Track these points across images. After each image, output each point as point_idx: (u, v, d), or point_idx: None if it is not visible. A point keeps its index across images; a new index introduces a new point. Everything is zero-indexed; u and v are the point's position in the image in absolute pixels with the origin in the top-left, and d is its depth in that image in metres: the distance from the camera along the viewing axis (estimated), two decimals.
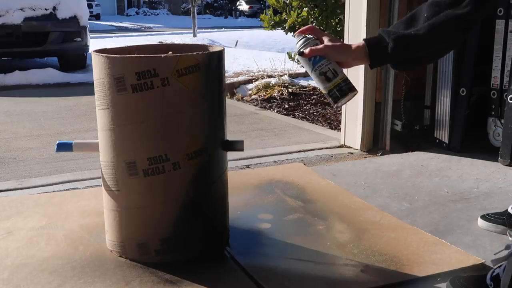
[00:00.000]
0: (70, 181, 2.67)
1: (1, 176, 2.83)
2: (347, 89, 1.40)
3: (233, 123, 3.99)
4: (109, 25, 24.44)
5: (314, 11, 4.18)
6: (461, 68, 2.99)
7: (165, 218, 1.74)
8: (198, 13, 19.83)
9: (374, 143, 3.19)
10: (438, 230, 2.03)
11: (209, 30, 17.43)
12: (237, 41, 12.14)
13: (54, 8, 6.66)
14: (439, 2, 1.38)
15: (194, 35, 13.72)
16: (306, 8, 4.24)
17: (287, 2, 4.44)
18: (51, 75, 6.54)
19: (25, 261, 1.78)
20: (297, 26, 4.32)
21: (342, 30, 3.69)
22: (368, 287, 1.64)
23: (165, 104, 1.65)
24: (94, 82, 1.72)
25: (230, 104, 4.79)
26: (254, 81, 5.75)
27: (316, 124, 4.11)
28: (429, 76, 3.22)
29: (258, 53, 8.78)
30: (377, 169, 2.80)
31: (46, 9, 6.60)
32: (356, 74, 3.13)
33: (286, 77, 5.59)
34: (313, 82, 5.66)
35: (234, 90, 5.61)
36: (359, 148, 3.17)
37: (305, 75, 6.02)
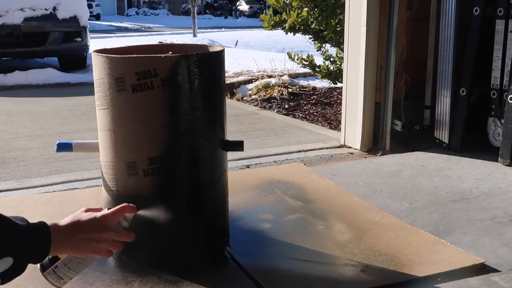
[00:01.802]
0: (70, 181, 2.67)
1: (1, 176, 2.83)
2: None
3: (233, 123, 3.99)
4: (109, 25, 24.43)
5: (314, 11, 4.18)
6: (461, 68, 2.99)
7: (165, 218, 1.74)
8: (198, 13, 19.83)
9: (374, 143, 3.19)
10: (438, 230, 2.03)
11: (209, 30, 17.42)
12: (237, 41, 12.14)
13: (54, 8, 6.66)
14: None
15: (194, 35, 13.71)
16: (306, 8, 4.23)
17: (287, 2, 4.44)
18: (51, 75, 6.54)
19: None
20: (297, 26, 4.32)
21: (342, 30, 3.69)
22: (368, 287, 1.64)
23: (165, 104, 1.65)
24: (94, 82, 1.72)
25: (230, 104, 4.79)
26: (254, 81, 5.76)
27: (316, 124, 4.11)
28: (429, 76, 3.22)
29: (258, 53, 8.78)
30: (377, 169, 2.80)
31: (46, 9, 6.60)
32: (356, 74, 3.13)
33: (286, 77, 5.59)
34: (313, 82, 5.66)
35: (234, 90, 5.61)
36: (359, 148, 3.17)
37: (305, 75, 6.03)
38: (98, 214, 1.27)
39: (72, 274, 1.29)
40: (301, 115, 4.43)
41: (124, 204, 1.32)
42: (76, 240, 1.20)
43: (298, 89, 5.31)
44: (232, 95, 5.48)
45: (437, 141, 3.11)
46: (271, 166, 2.90)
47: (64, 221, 1.22)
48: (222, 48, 1.81)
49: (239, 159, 2.98)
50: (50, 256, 1.26)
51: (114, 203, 1.75)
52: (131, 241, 1.31)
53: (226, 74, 2.43)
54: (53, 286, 1.30)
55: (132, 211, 1.34)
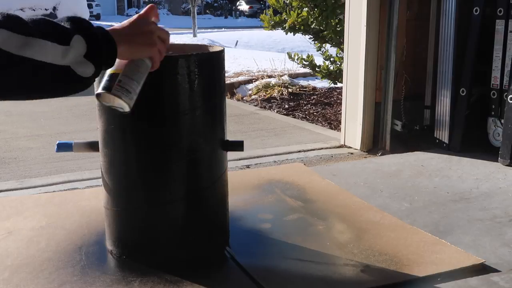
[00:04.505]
0: (70, 181, 2.67)
1: (1, 176, 2.83)
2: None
3: (233, 123, 3.99)
4: (109, 25, 24.35)
5: (314, 11, 4.18)
6: (461, 68, 2.99)
7: (165, 218, 1.74)
8: (198, 13, 19.83)
9: (374, 143, 3.19)
10: (438, 230, 2.03)
11: (209, 30, 17.42)
12: (237, 41, 12.15)
13: (54, 8, 6.68)
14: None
15: (194, 35, 13.72)
16: (306, 8, 4.23)
17: (287, 2, 4.44)
18: None
19: (26, 261, 1.78)
20: (297, 26, 4.32)
21: (342, 30, 3.69)
22: (368, 287, 1.64)
23: (165, 104, 1.65)
24: (94, 82, 1.72)
25: (230, 104, 4.79)
26: (254, 81, 5.76)
27: (316, 124, 4.11)
28: (429, 76, 3.22)
29: (258, 53, 8.78)
30: (377, 169, 2.80)
31: (46, 9, 6.63)
32: (356, 74, 3.13)
33: (286, 77, 5.60)
34: (313, 82, 5.66)
35: (234, 90, 5.61)
36: (359, 148, 3.17)
37: (305, 75, 6.03)
38: (133, 16, 1.27)
39: (135, 85, 1.28)
40: (301, 115, 4.43)
41: (151, 4, 1.33)
42: (130, 35, 1.21)
43: (298, 89, 5.31)
44: (232, 95, 5.48)
45: (437, 141, 3.11)
46: (271, 166, 2.90)
47: (108, 28, 1.21)
48: (222, 48, 1.81)
49: (239, 159, 2.98)
50: (108, 77, 1.27)
51: (114, 203, 1.75)
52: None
53: (226, 74, 2.43)
54: (124, 104, 1.26)
55: (156, 16, 1.32)
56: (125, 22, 1.26)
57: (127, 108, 1.27)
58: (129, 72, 1.27)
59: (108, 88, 1.25)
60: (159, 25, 1.31)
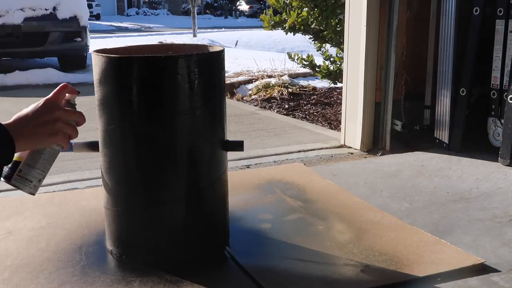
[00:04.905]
0: (70, 181, 2.67)
1: None
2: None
3: (233, 123, 3.99)
4: (109, 25, 24.45)
5: (314, 11, 4.18)
6: (461, 68, 2.99)
7: (165, 218, 1.74)
8: (198, 13, 19.84)
9: (374, 143, 3.19)
10: (438, 230, 2.03)
11: (209, 30, 17.42)
12: (237, 41, 12.15)
13: (54, 8, 6.67)
14: None
15: (194, 35, 13.73)
16: (306, 8, 4.24)
17: (287, 2, 4.44)
18: (51, 75, 6.54)
19: (26, 261, 1.78)
20: (297, 26, 4.32)
21: (342, 30, 3.69)
22: (368, 287, 1.64)
23: (165, 104, 1.65)
24: (94, 82, 1.72)
25: (230, 104, 4.79)
26: (254, 81, 5.76)
27: (316, 124, 4.11)
28: (429, 76, 3.22)
29: (258, 53, 8.78)
30: (377, 169, 2.80)
31: (46, 9, 6.61)
32: (356, 74, 3.13)
33: (286, 77, 5.60)
34: (313, 82, 5.66)
35: (234, 90, 5.61)
36: (359, 148, 3.17)
37: (305, 75, 6.03)
38: (40, 101, 1.23)
39: (38, 173, 1.25)
40: (301, 115, 4.43)
41: (63, 83, 1.29)
42: (31, 127, 1.17)
43: (298, 89, 5.31)
44: (232, 95, 5.48)
45: (437, 141, 3.11)
46: (271, 166, 2.90)
47: (10, 120, 1.18)
48: (222, 48, 1.81)
49: (239, 159, 2.98)
50: (10, 165, 1.23)
51: (115, 203, 1.75)
52: (82, 122, 1.30)
53: (226, 74, 2.43)
54: (27, 193, 1.25)
55: (73, 92, 1.30)
56: (30, 108, 1.21)
57: (31, 195, 1.26)
58: (31, 160, 1.24)
59: (8, 178, 1.23)
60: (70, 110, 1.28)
